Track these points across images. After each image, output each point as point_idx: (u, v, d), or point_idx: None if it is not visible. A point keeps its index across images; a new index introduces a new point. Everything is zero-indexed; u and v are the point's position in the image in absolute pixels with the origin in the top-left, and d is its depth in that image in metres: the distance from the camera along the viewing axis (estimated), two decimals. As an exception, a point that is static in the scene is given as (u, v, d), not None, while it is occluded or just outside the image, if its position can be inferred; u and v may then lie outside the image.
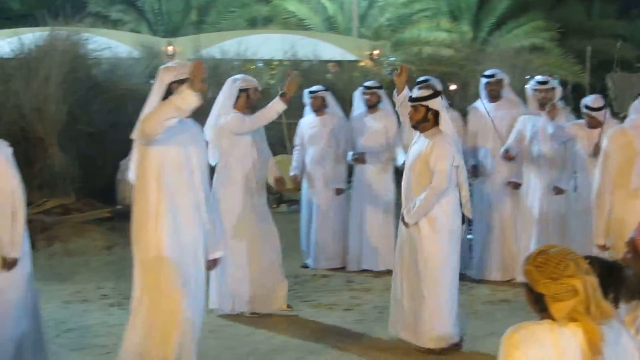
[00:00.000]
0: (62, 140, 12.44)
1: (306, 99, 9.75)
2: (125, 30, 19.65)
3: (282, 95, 7.13)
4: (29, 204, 9.50)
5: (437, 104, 6.14)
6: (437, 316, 6.15)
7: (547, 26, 21.28)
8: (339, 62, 17.07)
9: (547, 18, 21.68)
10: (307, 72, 14.45)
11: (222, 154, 7.43)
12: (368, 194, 9.52)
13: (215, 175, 7.48)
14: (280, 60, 15.89)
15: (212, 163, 7.40)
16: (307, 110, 9.81)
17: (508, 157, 8.48)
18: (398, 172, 8.53)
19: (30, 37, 13.12)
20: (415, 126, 6.20)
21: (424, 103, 6.11)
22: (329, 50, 17.33)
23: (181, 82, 5.05)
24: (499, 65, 12.18)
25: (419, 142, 6.26)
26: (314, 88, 9.80)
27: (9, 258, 5.16)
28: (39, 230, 10.90)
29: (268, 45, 15.75)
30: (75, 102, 12.68)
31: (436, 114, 6.12)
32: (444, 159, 6.03)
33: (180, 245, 5.17)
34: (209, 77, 14.22)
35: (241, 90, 7.44)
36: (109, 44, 14.26)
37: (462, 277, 7.21)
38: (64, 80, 12.47)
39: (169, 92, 5.10)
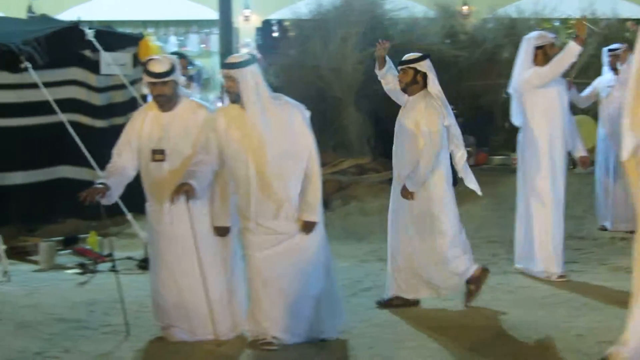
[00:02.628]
0: (358, 100, 12.72)
1: (604, 57, 9.52)
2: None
3: (576, 38, 7.17)
4: (324, 164, 9.89)
5: (425, 66, 6.38)
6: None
7: None
8: (638, 21, 16.00)
9: None
10: (605, 30, 13.72)
11: (526, 112, 7.54)
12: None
13: (520, 134, 7.68)
14: (577, 19, 15.13)
15: (517, 123, 7.66)
16: (605, 69, 9.56)
17: None
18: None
19: (327, -2, 13.59)
20: (405, 89, 6.40)
21: (412, 65, 6.38)
22: (629, 8, 16.32)
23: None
24: None
25: (408, 106, 6.40)
26: (613, 46, 9.52)
27: (307, 221, 5.34)
28: (335, 190, 11.24)
29: (565, 3, 15.10)
30: (371, 62, 12.86)
31: (424, 76, 6.36)
32: (436, 119, 6.20)
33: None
34: (505, 36, 14.05)
35: (537, 48, 7.47)
36: (406, 4, 14.32)
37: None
38: (360, 40, 12.74)
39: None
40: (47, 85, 9.30)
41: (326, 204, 9.85)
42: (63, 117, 8.95)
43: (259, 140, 5.22)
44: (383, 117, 13.29)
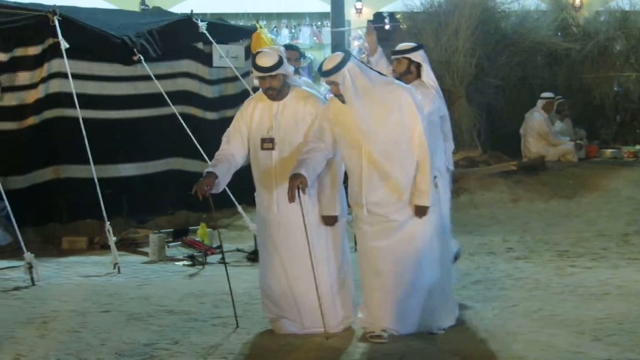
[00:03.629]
0: (469, 93, 12.58)
1: None
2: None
3: None
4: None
5: (419, 56, 6.41)
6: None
7: None
8: None
9: None
10: None
11: None
12: None
13: None
14: None
15: None
16: None
17: None
18: None
19: (440, -9, 13.45)
20: (399, 78, 6.15)
21: (407, 55, 6.40)
22: None
23: None
24: None
25: None
26: None
27: (419, 205, 5.26)
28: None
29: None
30: (483, 54, 12.73)
31: (418, 66, 6.40)
32: (430, 108, 6.08)
33: None
34: (618, 29, 13.62)
35: None
36: (518, -3, 14.16)
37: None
38: (472, 32, 12.56)
39: None
40: (160, 77, 9.44)
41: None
42: (175, 110, 9.06)
43: (364, 131, 5.18)
44: (494, 110, 13.14)
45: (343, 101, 5.20)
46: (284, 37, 15.84)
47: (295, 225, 5.36)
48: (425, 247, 5.35)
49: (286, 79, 5.49)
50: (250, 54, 10.46)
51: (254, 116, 5.58)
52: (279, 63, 5.40)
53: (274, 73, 5.39)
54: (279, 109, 5.52)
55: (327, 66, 5.20)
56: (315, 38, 16.15)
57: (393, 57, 6.54)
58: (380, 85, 5.24)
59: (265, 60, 5.39)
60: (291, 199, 5.07)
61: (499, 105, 13.19)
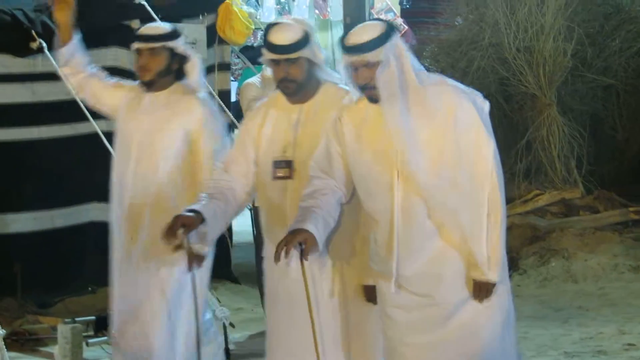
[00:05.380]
0: (563, 97, 12.56)
1: None
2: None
3: None
4: (510, 199, 9.72)
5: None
6: None
7: None
8: None
9: None
10: None
11: None
12: None
13: None
14: None
15: None
16: None
17: None
18: None
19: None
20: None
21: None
22: None
23: None
24: None
25: None
26: None
27: (481, 281, 5.24)
28: (527, 240, 11.36)
29: None
30: (584, 37, 12.73)
31: None
32: None
33: None
34: None
35: None
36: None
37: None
38: (568, 2, 12.57)
39: None
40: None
41: (513, 261, 9.69)
42: (96, 127, 8.95)
43: (404, 155, 5.16)
44: (602, 124, 13.08)
45: (374, 100, 5.20)
46: (269, 10, 15.85)
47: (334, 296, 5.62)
48: (492, 346, 5.36)
49: (313, 69, 5.61)
50: (215, 37, 10.57)
51: (264, 129, 5.74)
52: (303, 41, 5.52)
53: (293, 55, 5.50)
54: (300, 117, 5.67)
55: (359, 37, 5.21)
56: (317, 12, 16.21)
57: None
58: (433, 85, 5.25)
59: (282, 35, 5.53)
60: (276, 258, 5.10)
61: (610, 117, 13.17)
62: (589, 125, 12.76)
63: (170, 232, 5.41)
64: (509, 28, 12.52)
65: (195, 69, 6.60)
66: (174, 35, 6.48)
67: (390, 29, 5.20)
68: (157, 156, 6.45)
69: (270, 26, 5.66)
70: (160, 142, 6.47)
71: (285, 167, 5.58)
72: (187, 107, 6.42)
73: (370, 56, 5.12)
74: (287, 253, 5.11)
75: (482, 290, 5.26)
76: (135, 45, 6.43)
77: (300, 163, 5.58)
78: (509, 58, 12.41)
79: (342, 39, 5.29)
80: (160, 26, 6.70)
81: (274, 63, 5.54)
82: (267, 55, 5.57)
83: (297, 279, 5.40)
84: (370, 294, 5.57)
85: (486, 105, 5.39)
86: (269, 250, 5.67)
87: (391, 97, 5.17)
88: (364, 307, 5.63)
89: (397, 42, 5.19)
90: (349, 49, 5.20)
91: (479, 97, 5.36)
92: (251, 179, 5.75)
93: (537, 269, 10.99)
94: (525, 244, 11.27)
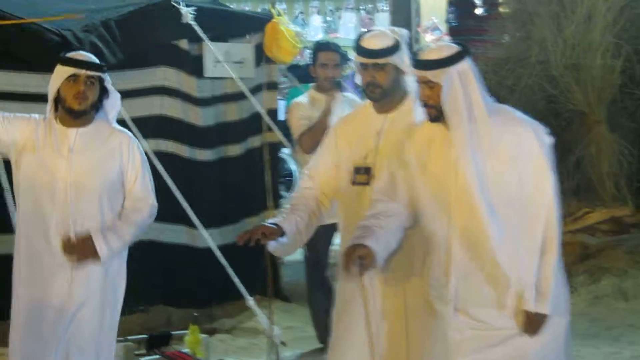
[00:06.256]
0: (613, 115, 12.48)
1: None
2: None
3: None
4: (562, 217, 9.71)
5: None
6: None
7: None
8: None
9: None
10: None
11: None
12: None
13: None
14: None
15: None
16: None
17: None
18: None
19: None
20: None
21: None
22: None
23: None
24: None
25: None
26: None
27: (532, 313, 5.25)
28: (577, 259, 11.28)
29: None
30: (632, 54, 12.65)
31: None
32: None
33: None
34: None
35: None
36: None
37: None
38: (616, 18, 12.51)
39: None
40: (121, 95, 9.35)
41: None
42: (147, 145, 8.98)
43: (466, 180, 5.19)
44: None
45: (436, 118, 5.25)
46: (315, 28, 15.88)
47: (394, 313, 5.72)
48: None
49: (400, 77, 5.79)
50: (263, 57, 10.55)
51: (349, 135, 5.95)
52: (393, 48, 5.70)
53: (382, 60, 5.69)
54: (384, 126, 5.81)
55: (431, 55, 5.27)
56: (364, 29, 16.16)
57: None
58: (494, 114, 5.25)
59: (373, 41, 5.73)
60: (346, 266, 5.25)
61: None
62: (638, 143, 12.64)
63: (248, 237, 5.55)
64: (556, 45, 12.46)
65: (117, 103, 6.68)
66: (104, 68, 6.48)
67: (459, 55, 5.23)
68: (95, 196, 6.38)
69: (364, 32, 5.87)
70: (101, 181, 6.40)
71: (364, 173, 5.76)
72: (122, 144, 6.41)
73: (430, 75, 5.20)
74: (347, 267, 5.22)
75: (531, 320, 5.27)
76: (77, 70, 6.26)
77: (379, 170, 5.70)
78: (556, 75, 12.35)
79: (413, 56, 5.45)
80: (91, 55, 6.58)
81: (362, 67, 5.75)
82: (357, 59, 5.80)
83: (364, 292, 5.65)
84: None
85: (548, 138, 5.35)
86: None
87: (459, 123, 5.21)
88: (425, 324, 5.61)
89: (466, 69, 5.22)
90: (415, 63, 5.33)
91: (541, 129, 5.34)
92: (335, 185, 5.95)
93: (588, 287, 10.90)
94: (575, 262, 11.15)
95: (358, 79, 5.91)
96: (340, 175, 5.90)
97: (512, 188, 5.23)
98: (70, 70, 6.24)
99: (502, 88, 12.18)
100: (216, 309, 8.11)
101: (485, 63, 12.93)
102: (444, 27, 15.57)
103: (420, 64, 5.24)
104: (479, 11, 15.66)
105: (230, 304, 9.40)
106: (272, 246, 5.69)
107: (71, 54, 6.47)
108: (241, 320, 9.78)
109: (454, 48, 5.27)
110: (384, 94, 5.75)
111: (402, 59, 5.70)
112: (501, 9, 14.37)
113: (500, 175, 5.20)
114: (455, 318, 5.34)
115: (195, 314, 9.18)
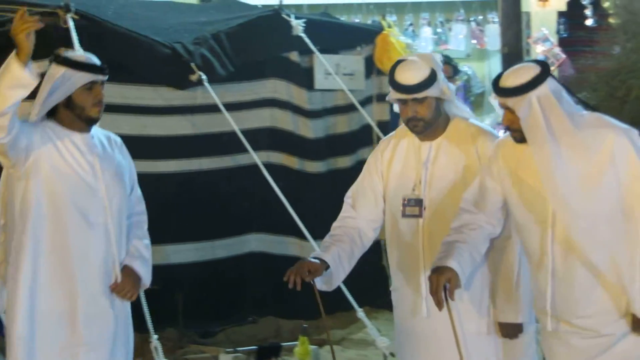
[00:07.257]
0: None
1: None
2: None
3: None
4: None
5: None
6: None
7: None
8: None
9: None
10: None
11: None
12: None
13: None
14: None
15: None
16: None
17: None
18: None
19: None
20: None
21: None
22: None
23: None
24: None
25: None
26: None
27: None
28: None
29: None
30: None
31: None
32: None
33: None
34: None
35: None
36: None
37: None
38: None
39: None
40: (232, 107, 9.45)
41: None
42: (256, 158, 9.02)
43: (558, 197, 5.11)
44: None
45: (519, 140, 5.16)
46: (426, 40, 15.82)
47: (446, 336, 5.41)
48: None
49: (442, 105, 5.60)
50: (373, 69, 10.54)
51: (393, 165, 5.74)
52: (430, 79, 5.47)
53: (420, 95, 5.46)
54: (431, 154, 5.64)
55: (508, 81, 5.16)
56: (474, 41, 16.12)
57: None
58: (588, 127, 5.14)
59: (408, 75, 5.48)
60: (439, 304, 5.09)
61: None
62: None
63: (295, 275, 5.44)
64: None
65: None
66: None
67: (537, 79, 5.12)
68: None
69: (396, 64, 5.60)
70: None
71: (414, 205, 5.59)
72: (122, 146, 6.06)
73: (509, 102, 5.10)
74: (439, 301, 5.08)
75: (638, 325, 5.17)
76: (96, 77, 5.78)
77: (430, 201, 5.61)
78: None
79: (495, 81, 5.24)
80: (94, 56, 6.01)
81: (401, 102, 5.55)
82: (393, 95, 5.57)
83: (432, 316, 5.49)
84: (509, 331, 5.61)
85: None
86: (401, 287, 5.75)
87: (540, 143, 5.11)
88: (515, 342, 5.62)
89: (546, 93, 5.10)
90: (495, 89, 5.21)
91: (635, 132, 5.23)
92: (379, 216, 5.79)
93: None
94: None
95: (398, 111, 5.73)
96: (390, 206, 5.76)
97: (608, 196, 5.12)
98: (88, 77, 5.76)
99: (613, 99, 12.04)
100: (329, 318, 8.08)
101: (595, 74, 12.84)
102: (554, 39, 15.41)
103: (500, 92, 5.15)
104: (589, 22, 15.48)
105: (342, 314, 9.35)
106: (319, 283, 5.54)
107: (77, 57, 5.90)
108: (351, 332, 9.76)
109: (532, 72, 5.14)
110: (427, 126, 5.57)
111: (440, 89, 5.54)
112: (611, 20, 14.17)
113: (595, 182, 5.09)
114: (556, 328, 5.28)
115: (305, 325, 9.26)
